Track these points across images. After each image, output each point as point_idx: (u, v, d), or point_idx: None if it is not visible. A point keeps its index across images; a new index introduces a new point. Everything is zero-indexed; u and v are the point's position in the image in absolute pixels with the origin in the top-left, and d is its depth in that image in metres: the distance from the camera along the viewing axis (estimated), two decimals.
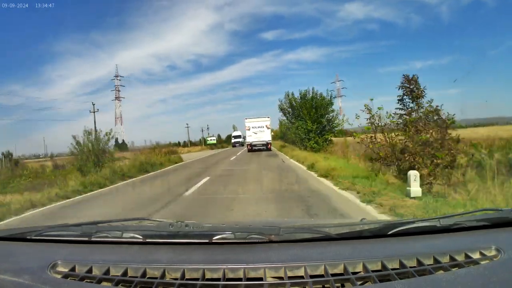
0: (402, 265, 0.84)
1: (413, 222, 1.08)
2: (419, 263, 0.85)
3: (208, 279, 0.83)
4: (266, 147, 23.66)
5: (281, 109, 24.13)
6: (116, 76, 76.56)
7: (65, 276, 0.86)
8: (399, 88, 7.75)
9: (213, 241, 1.00)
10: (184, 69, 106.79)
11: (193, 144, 67.54)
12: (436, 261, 0.85)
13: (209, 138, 63.51)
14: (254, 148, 23.61)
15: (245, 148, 28.53)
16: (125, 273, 0.86)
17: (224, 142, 68.61)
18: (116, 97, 75.52)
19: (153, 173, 12.90)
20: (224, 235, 1.00)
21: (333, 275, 0.82)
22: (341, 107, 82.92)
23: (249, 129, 24.18)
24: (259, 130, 24.05)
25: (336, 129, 19.64)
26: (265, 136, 24.10)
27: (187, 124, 63.27)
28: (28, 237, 1.12)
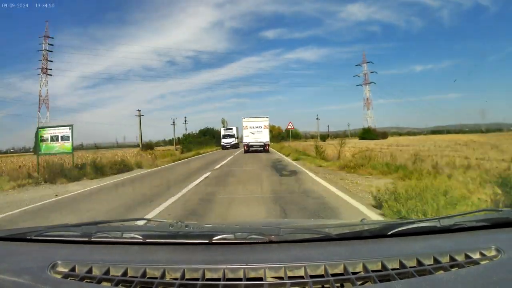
0: (402, 265, 0.84)
1: (413, 223, 1.09)
2: (419, 263, 0.85)
3: (208, 279, 0.83)
4: (263, 148, 22.95)
5: None
6: (45, 37, 46.19)
7: (65, 276, 0.86)
8: None
9: (213, 241, 1.00)
10: (183, 65, 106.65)
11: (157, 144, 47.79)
12: (436, 261, 0.85)
13: (45, 135, 12.10)
14: (251, 149, 22.89)
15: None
16: (125, 273, 0.86)
17: (199, 138, 44.31)
18: (42, 69, 46.44)
19: None
20: (224, 236, 1.00)
21: (333, 275, 0.82)
22: (369, 98, 62.41)
23: (246, 129, 23.36)
24: (257, 130, 23.26)
25: None
26: (263, 137, 23.36)
27: (138, 110, 38.08)
28: (28, 237, 1.12)
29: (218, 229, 1.09)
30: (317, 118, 66.16)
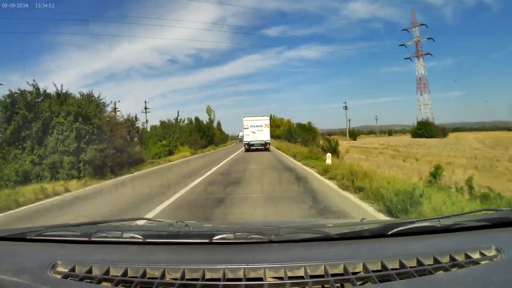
0: (402, 265, 0.84)
1: (413, 222, 1.08)
2: (419, 263, 0.85)
3: (208, 279, 0.83)
4: (264, 147, 23.00)
5: None
6: None
7: (65, 276, 0.86)
8: None
9: (213, 241, 0.99)
10: (184, 63, 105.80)
11: None
12: (436, 261, 0.85)
13: None
14: (252, 148, 22.94)
15: None
16: (125, 273, 0.86)
17: None
18: None
19: None
20: (224, 235, 1.00)
21: (333, 275, 0.82)
22: (423, 76, 40.76)
23: (247, 128, 23.46)
24: (257, 129, 23.33)
25: None
26: (264, 135, 23.43)
27: None
28: (28, 237, 1.12)
29: (218, 228, 1.09)
30: (345, 107, 45.07)
